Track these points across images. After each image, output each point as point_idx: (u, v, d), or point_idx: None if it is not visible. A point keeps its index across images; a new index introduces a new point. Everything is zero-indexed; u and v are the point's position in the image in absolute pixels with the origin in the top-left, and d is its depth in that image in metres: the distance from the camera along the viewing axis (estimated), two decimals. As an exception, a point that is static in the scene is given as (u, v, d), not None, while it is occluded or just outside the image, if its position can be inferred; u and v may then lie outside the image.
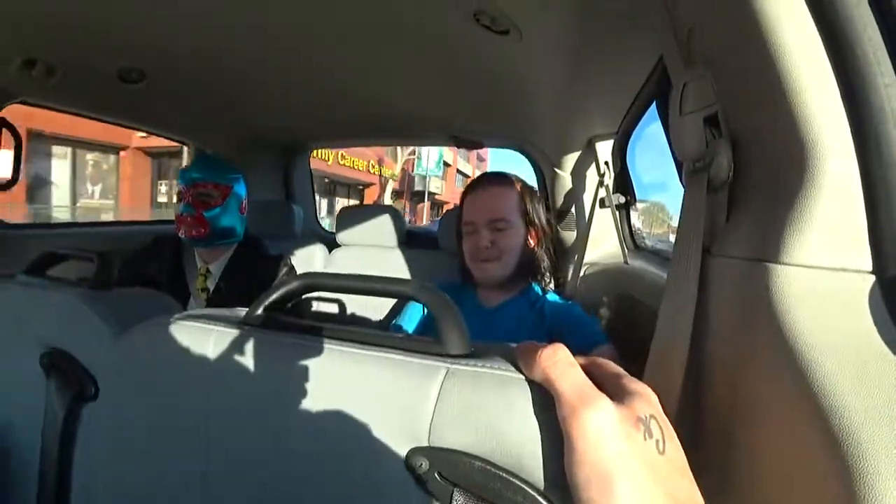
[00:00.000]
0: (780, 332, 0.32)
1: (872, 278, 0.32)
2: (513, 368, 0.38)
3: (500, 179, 1.22)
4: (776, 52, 0.34)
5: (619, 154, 1.40)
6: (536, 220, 1.22)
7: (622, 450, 0.29)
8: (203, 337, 0.50)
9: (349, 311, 1.86)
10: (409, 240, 1.93)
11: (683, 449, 0.32)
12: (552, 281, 1.31)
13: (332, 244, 2.03)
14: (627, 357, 0.91)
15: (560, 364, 0.34)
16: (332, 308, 1.89)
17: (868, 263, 0.32)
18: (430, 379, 0.39)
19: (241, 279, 1.52)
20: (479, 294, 1.23)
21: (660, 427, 0.31)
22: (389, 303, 1.76)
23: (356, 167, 16.69)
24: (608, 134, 1.37)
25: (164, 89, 1.50)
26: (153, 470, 0.52)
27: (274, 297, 0.51)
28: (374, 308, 1.82)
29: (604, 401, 0.31)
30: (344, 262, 1.90)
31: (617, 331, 1.08)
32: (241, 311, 0.54)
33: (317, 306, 1.83)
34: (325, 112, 1.78)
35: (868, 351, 0.29)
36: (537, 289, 1.22)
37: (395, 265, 1.84)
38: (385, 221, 1.89)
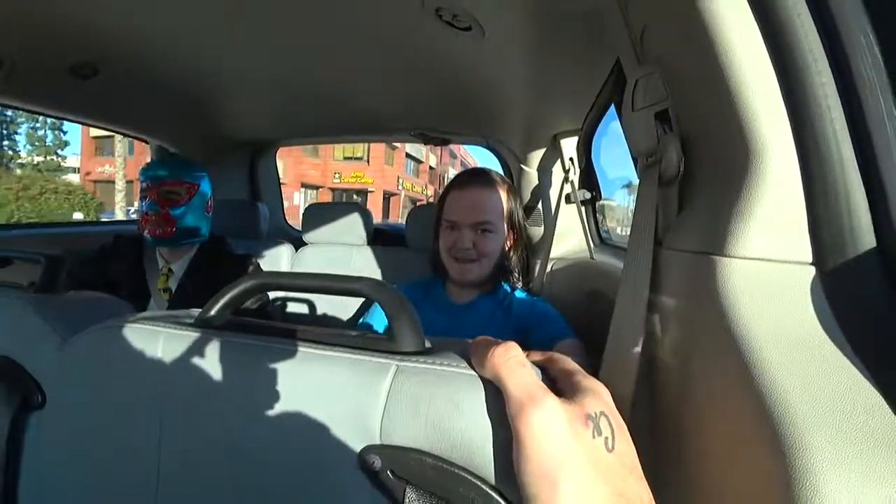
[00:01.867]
0: (725, 323, 0.32)
1: (813, 269, 0.33)
2: (465, 365, 0.38)
3: (487, 180, 1.19)
4: (721, 52, 0.35)
5: (584, 150, 1.42)
6: (516, 223, 1.20)
7: (569, 448, 0.30)
8: (152, 339, 0.49)
9: (319, 311, 1.84)
10: (377, 237, 1.92)
11: (639, 439, 0.33)
12: (521, 278, 1.32)
13: (299, 243, 2.00)
14: (594, 351, 0.93)
15: (510, 363, 0.34)
16: (303, 309, 1.86)
17: (808, 255, 0.33)
18: (380, 376, 0.39)
19: (205, 279, 1.49)
20: (448, 290, 1.22)
21: (610, 424, 0.31)
22: (358, 302, 1.75)
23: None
24: (573, 130, 1.39)
25: (121, 85, 1.45)
26: (105, 478, 0.51)
27: (227, 297, 0.50)
28: (344, 308, 1.80)
29: (551, 400, 0.31)
30: (311, 261, 1.87)
31: (583, 325, 1.09)
32: (196, 312, 0.52)
33: (291, 308, 1.81)
34: (290, 109, 1.75)
35: (808, 339, 0.30)
36: (506, 286, 1.23)
37: (363, 263, 1.82)
38: (352, 219, 1.87)
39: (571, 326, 1.09)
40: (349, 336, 0.44)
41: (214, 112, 1.80)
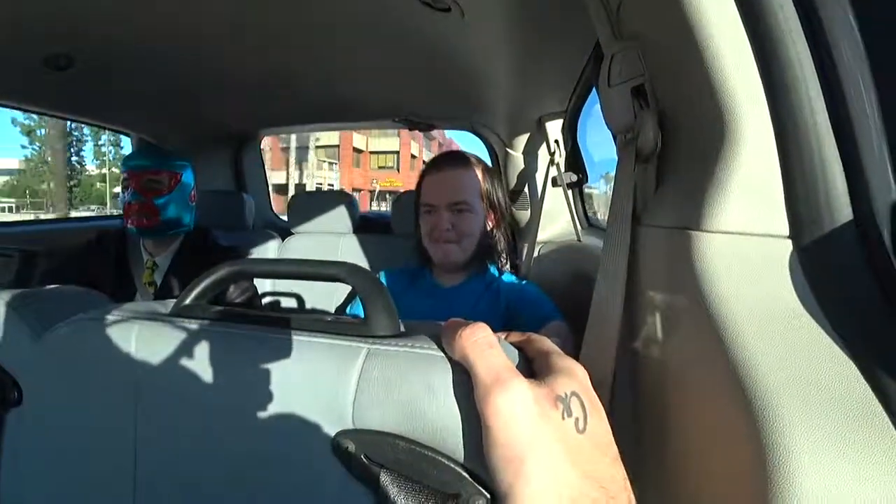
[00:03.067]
0: (702, 298, 0.32)
1: (790, 242, 0.32)
2: (436, 347, 0.37)
3: (461, 160, 1.20)
4: (696, 25, 0.34)
5: (569, 132, 1.41)
6: (496, 202, 1.21)
7: (536, 430, 0.29)
8: (126, 331, 0.48)
9: (308, 304, 1.83)
10: (363, 225, 1.91)
11: (620, 417, 0.32)
12: (508, 261, 1.32)
13: (286, 234, 1.98)
14: (581, 332, 0.92)
15: (478, 344, 0.33)
16: (291, 303, 1.85)
17: (785, 228, 0.33)
18: (351, 360, 0.38)
19: (190, 271, 1.47)
20: (435, 275, 1.22)
21: (582, 405, 0.31)
22: (346, 290, 1.74)
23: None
24: (557, 113, 1.38)
25: (98, 76, 1.41)
26: (83, 472, 0.50)
27: (202, 286, 0.49)
28: (333, 300, 1.80)
29: (518, 382, 0.30)
30: (297, 250, 1.86)
31: (571, 307, 1.09)
32: (171, 303, 0.51)
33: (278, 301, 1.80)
34: (273, 98, 1.72)
35: (784, 313, 0.30)
36: (493, 269, 1.22)
37: (350, 251, 1.81)
38: (338, 208, 1.86)
39: (559, 309, 1.09)
40: (323, 321, 0.43)
41: (195, 103, 1.77)
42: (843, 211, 0.31)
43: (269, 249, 1.97)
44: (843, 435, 0.25)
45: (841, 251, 0.31)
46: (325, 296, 1.77)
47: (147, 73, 1.41)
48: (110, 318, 0.50)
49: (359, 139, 28.70)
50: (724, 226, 0.33)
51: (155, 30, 1.12)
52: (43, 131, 26.46)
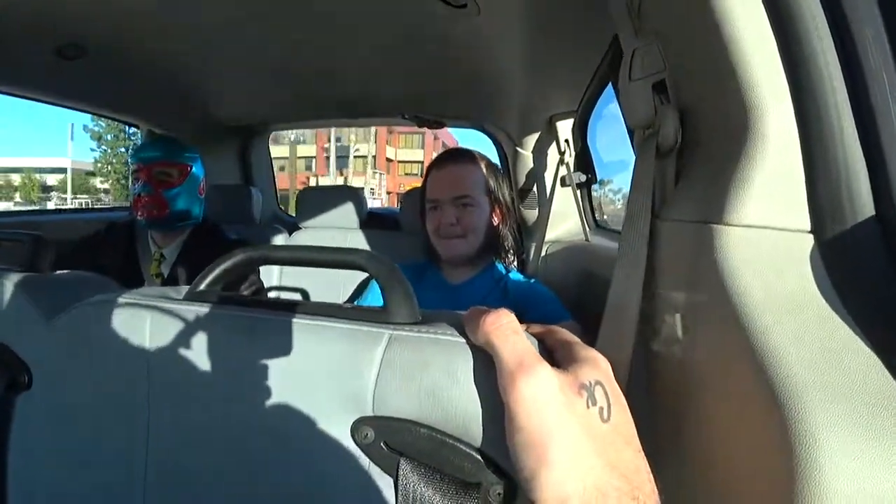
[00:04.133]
0: (724, 292, 0.32)
1: (811, 237, 0.32)
2: (457, 334, 0.37)
3: (464, 156, 1.21)
4: (720, 20, 0.34)
5: (580, 132, 1.41)
6: (501, 198, 1.22)
7: (560, 417, 0.29)
8: (139, 315, 0.48)
9: (315, 298, 1.83)
10: (371, 221, 1.91)
11: (636, 412, 0.32)
12: (515, 260, 1.32)
13: (293, 228, 1.99)
14: (591, 332, 0.92)
15: (502, 329, 0.33)
16: (297, 297, 1.86)
17: (807, 223, 0.33)
18: (372, 345, 0.38)
19: (198, 263, 1.47)
20: (443, 271, 1.23)
21: (605, 394, 0.30)
22: (352, 287, 1.74)
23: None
24: (568, 112, 1.38)
25: (110, 67, 1.42)
26: (95, 456, 0.50)
27: (217, 271, 0.49)
28: (340, 295, 1.80)
29: (543, 368, 0.30)
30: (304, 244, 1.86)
31: (578, 307, 1.10)
32: (183, 290, 0.52)
33: (285, 296, 1.80)
34: (283, 93, 1.73)
35: (806, 306, 0.30)
36: (500, 267, 1.23)
37: (357, 246, 1.81)
38: (346, 203, 1.86)
39: (566, 307, 1.09)
40: (343, 308, 0.43)
41: (206, 95, 1.77)
42: (866, 207, 0.31)
43: (277, 243, 1.97)
44: (867, 423, 0.25)
45: (863, 246, 0.31)
46: (332, 291, 1.78)
47: (158, 64, 1.42)
48: (122, 302, 0.50)
49: (390, 151, 34.21)
50: (746, 219, 0.33)
51: (167, 21, 1.12)
52: (111, 136, 29.12)
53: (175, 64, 1.43)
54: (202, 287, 0.49)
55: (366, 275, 1.37)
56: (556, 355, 0.34)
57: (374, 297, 1.22)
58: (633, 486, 0.28)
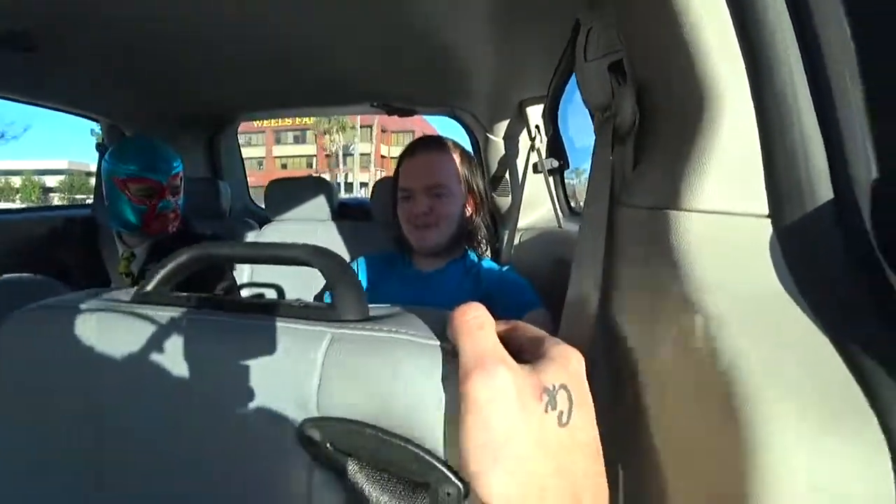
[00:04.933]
0: (681, 277, 0.31)
1: (769, 222, 0.32)
2: (406, 330, 0.36)
3: (437, 145, 1.19)
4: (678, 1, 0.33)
5: (550, 117, 1.40)
6: (475, 187, 1.20)
7: (513, 421, 0.28)
8: (84, 320, 0.46)
9: (290, 295, 1.80)
10: (342, 212, 1.88)
11: (598, 400, 0.31)
12: (488, 248, 1.31)
13: (265, 221, 1.95)
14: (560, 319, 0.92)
15: (468, 324, 0.32)
16: (272, 294, 1.82)
17: (765, 208, 0.32)
18: (315, 345, 0.37)
19: None
20: (414, 260, 1.21)
21: (568, 398, 0.30)
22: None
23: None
24: (538, 97, 1.37)
25: (61, 58, 1.35)
26: (42, 468, 0.48)
27: (165, 271, 0.47)
28: (312, 289, 1.77)
29: (502, 368, 0.29)
30: (274, 238, 1.82)
31: (551, 293, 1.09)
32: (131, 291, 0.49)
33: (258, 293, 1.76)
34: (250, 82, 1.68)
35: (762, 293, 0.29)
36: (473, 255, 1.22)
37: (328, 238, 1.78)
38: (316, 194, 1.83)
39: (539, 295, 1.08)
40: (290, 306, 0.42)
41: (168, 87, 1.71)
42: (824, 190, 0.30)
43: (247, 237, 1.93)
44: (818, 412, 0.24)
45: (820, 230, 0.30)
46: (306, 286, 1.75)
47: (115, 54, 1.35)
48: (68, 305, 0.48)
49: (384, 149, 38.16)
50: (704, 205, 0.32)
51: (121, 6, 1.07)
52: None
53: (138, 57, 1.37)
54: (150, 287, 0.47)
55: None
56: (524, 353, 0.33)
57: None
58: (579, 492, 0.28)
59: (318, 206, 1.82)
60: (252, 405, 0.39)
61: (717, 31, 0.32)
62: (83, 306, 0.48)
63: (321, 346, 0.37)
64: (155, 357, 0.43)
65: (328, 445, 0.36)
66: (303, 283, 1.74)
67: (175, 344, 0.43)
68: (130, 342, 0.44)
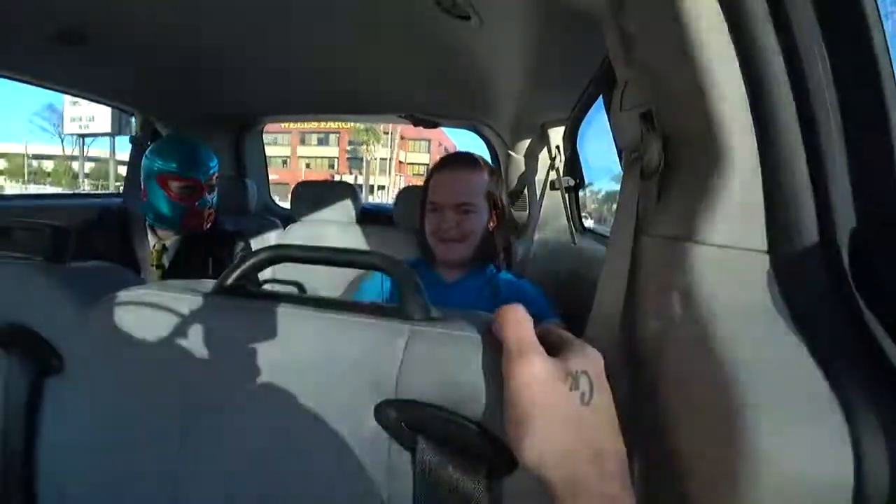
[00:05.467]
0: (693, 302, 0.38)
1: (767, 257, 0.38)
2: (468, 329, 0.43)
3: (469, 162, 1.23)
4: (702, 65, 0.39)
5: (570, 139, 1.47)
6: (499, 203, 1.24)
7: (545, 397, 0.35)
8: (173, 307, 0.52)
9: (309, 293, 1.85)
10: (365, 216, 1.95)
11: (620, 406, 0.38)
12: (506, 260, 1.37)
13: (286, 220, 2.02)
14: (574, 331, 0.98)
15: (513, 320, 0.39)
16: (292, 290, 1.87)
17: (764, 244, 0.38)
18: (395, 339, 0.44)
19: (198, 254, 1.50)
20: (437, 269, 1.27)
21: (589, 382, 0.36)
22: (345, 283, 1.78)
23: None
24: (560, 120, 1.44)
25: (109, 54, 1.43)
26: (125, 442, 0.53)
27: (243, 267, 0.53)
28: (332, 288, 1.83)
29: (537, 355, 0.36)
30: (298, 238, 1.88)
31: (563, 305, 1.16)
32: (208, 283, 0.55)
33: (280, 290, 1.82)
34: (280, 86, 1.75)
35: (759, 318, 0.36)
36: (492, 266, 1.28)
37: (351, 241, 1.84)
38: (341, 197, 1.89)
39: (552, 306, 1.15)
40: (365, 305, 0.49)
41: (204, 87, 1.79)
42: (812, 233, 0.37)
43: (271, 235, 2.00)
44: (798, 415, 0.31)
45: (808, 267, 0.37)
46: (325, 284, 1.81)
47: (157, 53, 1.44)
48: (153, 294, 0.54)
49: (401, 154, 40.47)
50: (714, 239, 0.39)
51: (169, 10, 1.15)
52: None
53: (174, 54, 1.45)
54: (230, 282, 0.53)
55: (360, 271, 1.40)
56: (554, 348, 0.40)
57: (369, 292, 1.27)
58: (600, 457, 0.34)
59: (343, 209, 1.89)
60: (335, 389, 0.45)
61: (732, 95, 0.39)
62: (167, 296, 0.53)
63: (402, 340, 0.44)
64: (237, 346, 0.49)
65: (402, 424, 0.43)
66: (322, 282, 1.80)
67: (257, 334, 0.48)
68: (213, 332, 0.50)
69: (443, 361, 0.42)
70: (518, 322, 0.39)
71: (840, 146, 0.37)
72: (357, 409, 0.44)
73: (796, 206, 0.37)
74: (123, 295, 0.55)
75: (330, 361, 0.46)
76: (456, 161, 1.25)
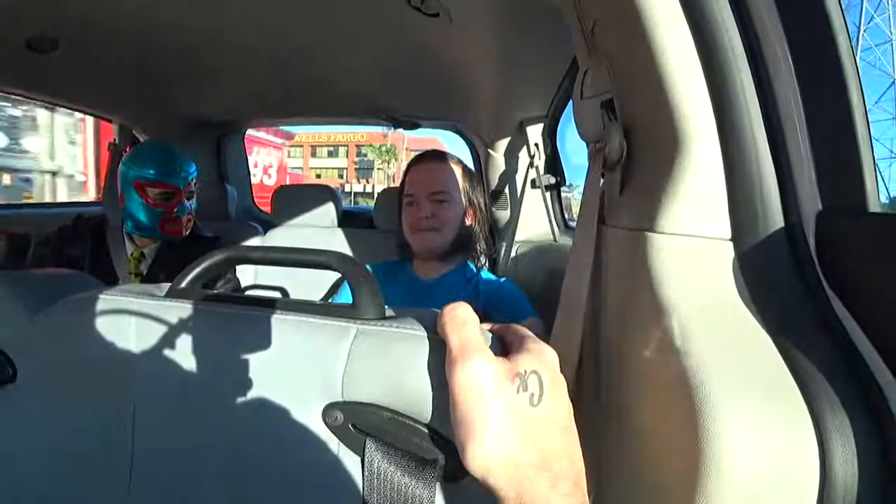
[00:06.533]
0: (654, 291, 0.37)
1: (731, 245, 0.37)
2: (418, 327, 0.41)
3: (442, 157, 1.29)
4: (658, 53, 0.38)
5: (549, 136, 1.46)
6: (474, 200, 1.28)
7: (490, 400, 0.33)
8: (124, 311, 0.50)
9: (291, 296, 1.84)
10: (346, 219, 1.93)
11: (586, 400, 0.37)
12: (486, 260, 1.36)
13: (268, 226, 1.99)
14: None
15: (454, 320, 0.37)
16: (276, 296, 1.86)
17: (728, 232, 0.37)
18: (341, 338, 0.42)
19: (177, 261, 1.48)
20: (416, 268, 1.27)
21: (539, 382, 0.34)
22: (326, 287, 1.76)
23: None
24: (538, 117, 1.43)
25: (83, 60, 1.40)
26: (78, 448, 0.52)
27: (198, 269, 0.51)
28: (314, 293, 1.82)
29: (480, 356, 0.34)
30: (279, 243, 1.87)
31: (545, 305, 1.14)
32: (165, 287, 0.54)
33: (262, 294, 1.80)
34: (258, 90, 1.73)
35: (723, 307, 0.35)
36: (472, 266, 1.27)
37: (332, 245, 1.83)
38: (322, 201, 1.88)
39: (534, 305, 1.14)
40: (316, 305, 0.47)
41: (181, 92, 1.76)
42: (776, 219, 0.36)
43: (252, 241, 1.97)
44: (760, 405, 0.30)
45: (773, 254, 0.35)
46: (308, 290, 1.79)
47: (132, 58, 1.41)
48: (106, 299, 0.52)
49: (404, 165, 44.69)
50: (676, 228, 0.37)
51: (143, 14, 1.12)
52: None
53: (151, 60, 1.43)
54: (183, 284, 0.51)
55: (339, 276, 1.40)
56: (510, 348, 0.38)
57: (345, 296, 1.26)
58: (549, 462, 0.32)
59: (324, 213, 1.87)
60: (283, 391, 0.44)
61: (690, 83, 0.37)
62: (120, 300, 0.51)
63: (348, 339, 0.42)
64: (188, 348, 0.47)
65: (350, 426, 0.41)
66: (306, 287, 1.79)
67: (208, 336, 0.47)
68: (165, 334, 0.48)
69: (388, 361, 0.40)
70: (461, 321, 0.37)
71: (803, 130, 0.36)
72: (306, 412, 0.43)
73: (760, 192, 0.36)
74: (76, 299, 0.54)
75: (281, 363, 0.44)
76: (429, 156, 1.31)
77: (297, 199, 1.92)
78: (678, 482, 0.32)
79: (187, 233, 1.47)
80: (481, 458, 0.32)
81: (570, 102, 1.24)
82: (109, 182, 2.00)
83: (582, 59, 0.53)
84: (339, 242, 1.83)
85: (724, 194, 0.37)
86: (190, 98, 1.85)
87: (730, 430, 0.29)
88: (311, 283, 1.76)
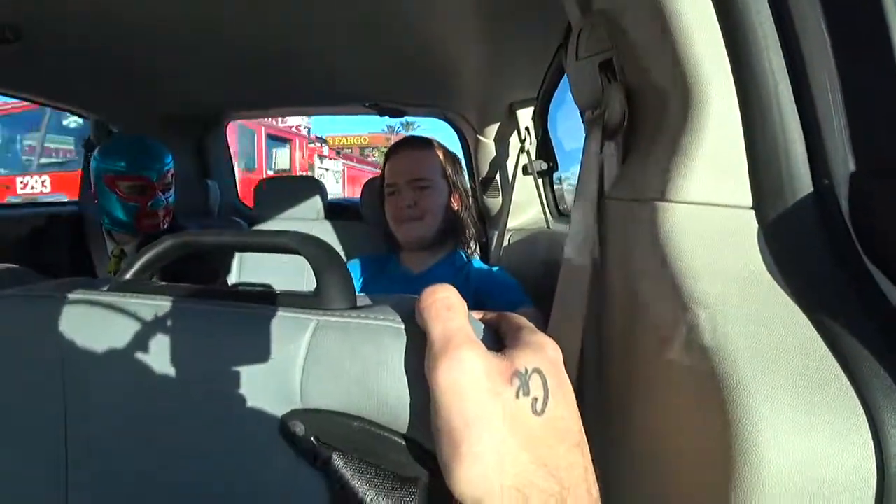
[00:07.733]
0: (669, 264, 0.32)
1: (753, 213, 0.33)
2: (393, 317, 0.35)
3: (421, 142, 1.24)
4: (666, 5, 0.34)
5: (540, 120, 1.42)
6: (458, 184, 1.24)
7: (482, 406, 0.26)
8: (54, 307, 0.44)
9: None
10: (332, 212, 1.88)
11: (588, 393, 0.32)
12: (477, 248, 1.32)
13: (253, 220, 1.94)
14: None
15: (435, 306, 0.30)
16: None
17: (749, 199, 0.33)
18: (298, 333, 0.35)
19: None
20: (404, 260, 1.22)
21: (543, 383, 0.27)
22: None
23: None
24: (528, 100, 1.38)
25: (49, 52, 1.33)
26: (10, 446, 0.47)
27: (144, 259, 0.45)
28: (301, 287, 1.77)
29: (469, 349, 0.27)
30: None
31: (540, 294, 1.10)
32: (111, 279, 0.48)
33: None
34: (238, 80, 1.67)
35: (746, 280, 0.30)
36: (462, 255, 1.23)
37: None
38: (306, 194, 1.83)
39: (528, 294, 1.10)
40: (273, 294, 0.40)
41: (158, 84, 1.69)
42: (804, 182, 0.31)
43: None
44: (800, 395, 0.25)
45: (801, 221, 0.31)
46: (296, 283, 1.74)
47: (104, 49, 1.34)
48: (38, 294, 0.47)
49: None
50: (690, 196, 0.33)
51: (109, 3, 1.07)
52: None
53: (127, 53, 1.36)
54: (129, 276, 0.45)
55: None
56: (505, 340, 0.32)
57: None
58: (563, 487, 0.25)
59: (309, 205, 1.82)
60: (234, 397, 0.37)
61: (704, 33, 0.33)
62: (60, 295, 0.46)
63: (305, 335, 0.35)
64: (134, 347, 0.41)
65: (312, 439, 0.34)
66: (294, 284, 1.73)
67: (155, 334, 0.40)
68: (103, 330, 0.42)
69: (357, 360, 0.33)
70: (444, 307, 0.30)
71: (834, 81, 0.32)
72: (262, 421, 0.36)
73: (784, 154, 0.32)
74: (11, 294, 0.48)
75: (232, 364, 0.37)
76: (407, 142, 1.27)
77: (280, 192, 1.86)
78: (705, 496, 0.28)
79: (166, 226, 1.41)
80: (475, 482, 0.25)
81: (561, 83, 1.21)
82: (85, 179, 1.94)
83: (574, 17, 0.48)
84: (325, 235, 1.77)
85: (744, 158, 0.33)
86: (165, 92, 1.78)
87: (768, 430, 0.24)
88: (301, 281, 1.70)
